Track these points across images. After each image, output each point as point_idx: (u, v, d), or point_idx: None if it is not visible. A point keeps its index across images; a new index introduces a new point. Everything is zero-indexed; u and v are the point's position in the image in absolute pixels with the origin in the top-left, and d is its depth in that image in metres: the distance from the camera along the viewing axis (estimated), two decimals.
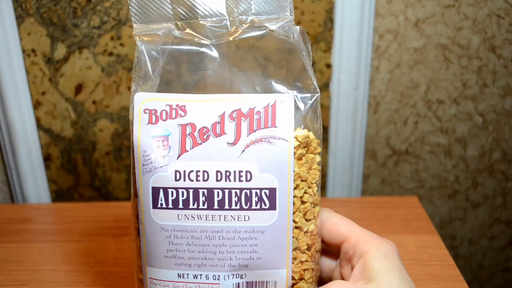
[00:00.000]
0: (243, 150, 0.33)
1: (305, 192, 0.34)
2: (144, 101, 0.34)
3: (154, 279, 0.35)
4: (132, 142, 0.34)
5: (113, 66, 0.62)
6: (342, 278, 0.34)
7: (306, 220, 0.34)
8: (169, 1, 0.34)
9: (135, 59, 0.35)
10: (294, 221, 0.33)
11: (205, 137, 0.33)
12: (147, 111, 0.34)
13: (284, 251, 0.33)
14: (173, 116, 0.34)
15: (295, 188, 0.33)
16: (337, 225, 0.35)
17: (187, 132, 0.33)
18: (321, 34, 0.61)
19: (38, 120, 0.65)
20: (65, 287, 0.47)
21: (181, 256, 0.34)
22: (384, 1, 0.60)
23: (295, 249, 0.34)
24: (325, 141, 0.67)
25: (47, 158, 0.67)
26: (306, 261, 0.34)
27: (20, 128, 0.64)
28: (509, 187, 0.71)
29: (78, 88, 0.64)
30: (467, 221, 0.73)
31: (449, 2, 0.60)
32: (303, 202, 0.34)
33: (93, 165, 0.67)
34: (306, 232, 0.34)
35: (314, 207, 0.34)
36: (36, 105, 0.64)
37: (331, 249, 0.36)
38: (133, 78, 0.34)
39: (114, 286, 0.47)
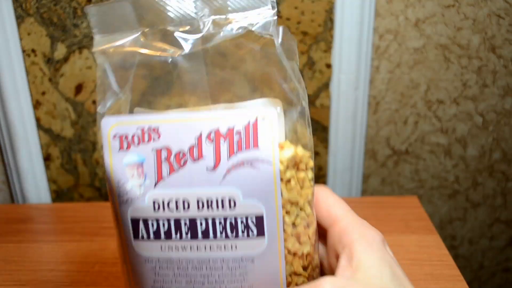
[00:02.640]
0: (224, 176, 0.30)
1: (297, 215, 0.31)
2: (112, 126, 0.31)
3: None
4: (105, 171, 0.31)
5: None
6: (330, 268, 0.33)
7: (300, 243, 0.31)
8: (131, 7, 0.31)
9: (98, 78, 0.31)
10: (287, 248, 0.31)
11: (182, 162, 0.30)
12: (117, 137, 0.31)
13: (277, 279, 0.31)
14: (146, 140, 0.31)
15: (286, 213, 0.30)
16: (332, 207, 0.33)
17: (163, 158, 0.31)
18: (321, 34, 0.61)
19: (38, 120, 0.65)
20: (65, 287, 0.47)
21: (168, 287, 0.31)
22: (384, 1, 0.60)
23: (290, 274, 0.31)
24: (325, 141, 0.67)
25: (47, 158, 0.67)
26: (303, 282, 0.32)
27: (20, 128, 0.64)
28: (509, 187, 0.71)
29: (78, 88, 0.64)
30: (467, 221, 0.73)
31: (449, 2, 0.60)
32: (295, 226, 0.31)
33: (93, 165, 0.67)
34: (302, 255, 0.31)
35: (308, 228, 0.32)
36: (36, 105, 0.64)
37: (321, 231, 0.34)
38: (98, 100, 0.31)
39: (114, 286, 0.47)
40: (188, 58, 0.31)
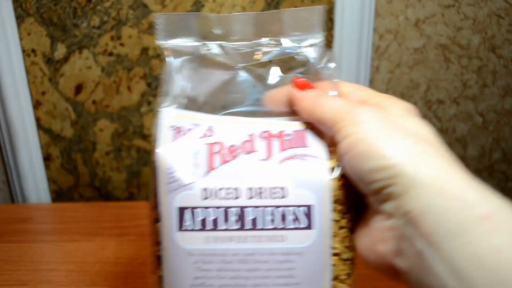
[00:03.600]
0: (276, 166, 0.30)
1: (344, 215, 0.30)
2: (171, 117, 0.32)
3: None
4: (154, 161, 0.31)
5: (113, 66, 0.62)
6: None
7: (346, 247, 0.31)
8: (196, 21, 0.34)
9: (164, 73, 0.33)
10: (333, 247, 0.30)
11: (234, 154, 0.31)
12: (173, 128, 0.32)
13: (323, 278, 0.30)
14: (200, 135, 0.32)
15: (333, 210, 0.30)
16: (354, 91, 0.31)
17: (215, 150, 0.31)
18: None
19: (38, 120, 0.65)
20: (65, 287, 0.47)
21: (210, 284, 0.30)
22: (384, 1, 0.60)
23: (335, 278, 0.30)
24: None
25: (47, 158, 0.67)
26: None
27: (20, 128, 0.64)
28: (509, 187, 0.71)
29: (78, 88, 0.64)
30: None
31: (449, 2, 0.60)
32: (341, 228, 0.30)
33: (93, 165, 0.67)
34: (346, 260, 0.31)
35: (351, 234, 0.31)
36: (36, 105, 0.64)
37: None
38: (160, 92, 0.33)
39: (114, 286, 0.47)
40: (243, 71, 0.34)
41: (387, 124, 0.27)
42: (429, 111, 0.66)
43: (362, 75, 0.63)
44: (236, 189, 0.30)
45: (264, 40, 0.34)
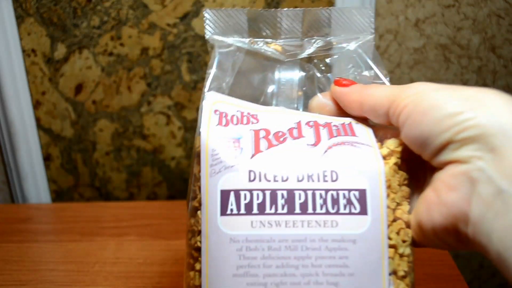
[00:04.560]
0: (326, 151, 0.28)
1: (397, 205, 0.28)
2: (215, 101, 0.31)
3: None
4: (195, 146, 0.30)
5: (113, 66, 0.62)
6: None
7: (401, 239, 0.28)
8: (245, 18, 0.33)
9: (211, 60, 0.33)
10: (388, 237, 0.28)
11: (281, 139, 0.29)
12: (217, 112, 0.31)
13: (380, 270, 0.27)
14: (245, 122, 0.30)
15: (387, 196, 0.28)
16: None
17: (261, 136, 0.29)
18: None
19: (38, 120, 0.65)
20: (65, 287, 0.47)
21: (254, 274, 0.27)
22: (384, 1, 0.60)
23: (391, 273, 0.28)
24: None
25: (47, 158, 0.67)
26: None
27: (20, 128, 0.64)
28: None
29: (78, 88, 0.64)
30: None
31: (449, 2, 0.60)
32: (395, 219, 0.28)
33: (93, 165, 0.67)
34: (402, 255, 0.28)
35: (408, 229, 0.29)
36: (36, 105, 0.64)
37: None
38: (206, 77, 0.33)
39: (114, 286, 0.47)
40: (288, 66, 0.34)
41: (444, 86, 0.27)
42: None
43: None
44: (284, 171, 0.28)
45: (312, 38, 0.33)
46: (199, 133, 0.30)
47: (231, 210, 0.28)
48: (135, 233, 0.55)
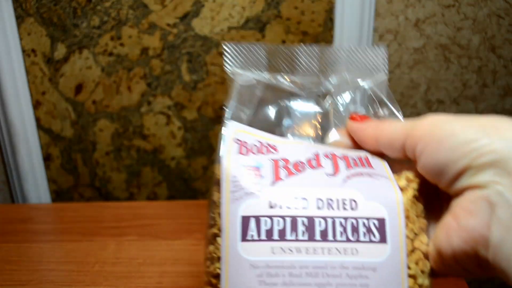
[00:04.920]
0: (345, 180, 0.29)
1: (416, 236, 0.29)
2: (236, 131, 0.32)
3: None
4: (215, 174, 0.31)
5: (113, 66, 0.62)
6: None
7: (420, 270, 0.29)
8: (265, 53, 0.35)
9: (232, 92, 0.35)
10: (408, 266, 0.28)
11: (300, 168, 0.30)
12: (238, 141, 0.31)
13: None
14: (264, 152, 0.31)
15: (405, 226, 0.29)
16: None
17: (280, 165, 0.30)
18: (321, 34, 0.61)
19: (38, 120, 0.65)
20: (65, 287, 0.47)
21: None
22: (384, 1, 0.60)
23: None
24: None
25: (47, 158, 0.67)
26: None
27: (20, 128, 0.64)
28: None
29: (78, 88, 0.64)
30: None
31: (449, 2, 0.60)
32: (414, 249, 0.29)
33: (93, 165, 0.67)
34: (421, 286, 0.29)
35: (426, 260, 0.29)
36: (36, 105, 0.64)
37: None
38: (227, 107, 0.34)
39: (114, 286, 0.47)
40: (305, 100, 0.35)
41: (457, 116, 0.27)
42: (429, 111, 0.66)
43: None
44: (304, 198, 0.29)
45: (328, 75, 0.35)
46: (219, 161, 0.30)
47: (252, 236, 0.28)
48: (135, 233, 0.55)
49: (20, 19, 0.60)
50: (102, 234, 0.55)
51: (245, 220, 0.28)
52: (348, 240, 0.28)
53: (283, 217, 0.28)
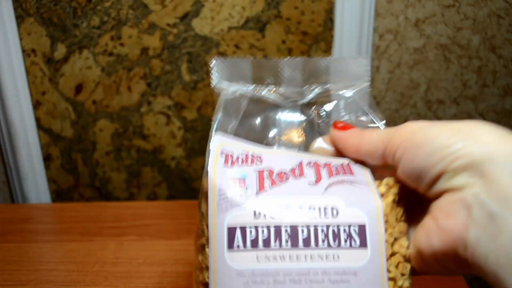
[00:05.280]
0: (326, 188, 0.31)
1: (395, 240, 0.30)
2: (222, 143, 0.34)
3: None
4: (203, 184, 0.32)
5: (113, 66, 0.62)
6: None
7: (400, 273, 0.30)
8: (250, 66, 0.36)
9: (217, 105, 0.36)
10: (388, 270, 0.30)
11: (284, 178, 0.32)
12: (223, 153, 0.33)
13: None
14: (249, 162, 0.33)
15: (385, 231, 0.30)
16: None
17: (265, 175, 0.32)
18: (321, 34, 0.61)
19: (38, 120, 0.65)
20: (65, 287, 0.47)
21: None
22: (384, 1, 0.60)
23: None
24: None
25: (47, 158, 0.67)
26: None
27: (20, 128, 0.64)
28: None
29: (78, 88, 0.64)
30: None
31: (449, 2, 0.60)
32: (394, 253, 0.30)
33: (93, 165, 0.67)
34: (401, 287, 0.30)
35: (406, 262, 0.30)
36: (36, 105, 0.64)
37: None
38: (213, 121, 0.36)
39: (114, 286, 0.47)
40: (288, 110, 0.37)
41: (434, 122, 0.29)
42: (429, 111, 0.66)
43: None
44: (287, 207, 0.30)
45: (312, 86, 0.36)
46: (206, 173, 0.32)
47: (238, 246, 0.30)
48: (135, 233, 0.55)
49: (20, 19, 0.60)
50: (102, 234, 0.55)
51: (231, 230, 0.30)
52: (329, 246, 0.29)
53: (267, 227, 0.30)
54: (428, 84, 0.65)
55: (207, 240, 0.30)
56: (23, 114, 0.63)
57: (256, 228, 0.30)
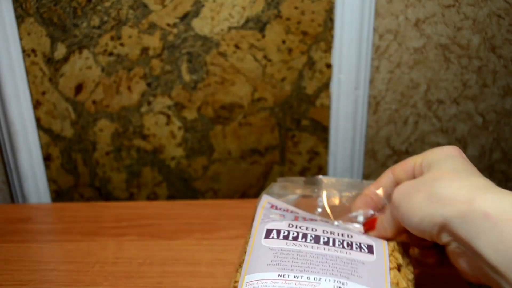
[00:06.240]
0: (346, 228, 0.43)
1: (398, 261, 0.39)
2: (268, 199, 0.46)
3: (250, 281, 0.35)
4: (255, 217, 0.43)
5: (113, 66, 0.62)
6: None
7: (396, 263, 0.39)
8: (303, 183, 0.49)
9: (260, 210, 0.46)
10: (390, 268, 0.38)
11: (313, 220, 0.44)
12: (270, 203, 0.45)
13: (383, 279, 0.37)
14: (289, 211, 0.45)
15: (390, 254, 0.40)
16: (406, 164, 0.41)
17: (299, 217, 0.43)
18: (321, 34, 0.61)
19: (38, 120, 0.65)
20: (65, 287, 0.47)
21: (285, 263, 0.36)
22: (384, 1, 0.60)
23: (394, 284, 0.37)
24: (325, 141, 0.67)
25: (47, 158, 0.67)
26: None
27: (20, 128, 0.64)
28: (509, 187, 0.71)
29: (78, 88, 0.64)
30: None
31: (449, 2, 0.60)
32: (399, 266, 0.39)
33: (93, 165, 0.67)
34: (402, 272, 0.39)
35: (410, 272, 0.40)
36: (36, 105, 0.64)
37: None
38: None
39: (114, 286, 0.47)
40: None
41: (410, 188, 0.37)
42: (429, 111, 0.66)
43: (362, 75, 0.63)
44: (314, 228, 0.41)
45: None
46: (258, 208, 0.45)
47: (272, 237, 0.39)
48: (135, 233, 0.55)
49: (20, 19, 0.60)
50: (102, 234, 0.55)
51: (269, 230, 0.40)
52: (343, 247, 0.39)
53: (297, 232, 0.40)
54: (428, 84, 0.65)
55: (248, 239, 0.40)
56: (23, 114, 0.63)
57: (289, 231, 0.40)
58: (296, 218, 0.42)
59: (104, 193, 0.69)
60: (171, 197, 0.70)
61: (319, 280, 0.34)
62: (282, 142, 0.67)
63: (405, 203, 0.36)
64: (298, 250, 0.37)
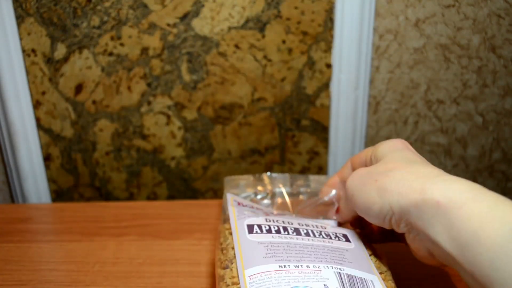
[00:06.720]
0: (319, 221, 0.45)
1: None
2: (233, 198, 0.47)
3: (253, 274, 0.35)
4: (220, 229, 0.43)
5: (113, 66, 0.62)
6: None
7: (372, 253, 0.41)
8: (253, 180, 0.53)
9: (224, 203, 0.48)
10: (369, 254, 0.40)
11: (280, 214, 0.45)
12: (236, 201, 0.46)
13: (368, 265, 0.38)
14: (255, 207, 0.46)
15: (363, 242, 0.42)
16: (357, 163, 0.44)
17: (269, 212, 0.45)
18: (321, 34, 0.61)
19: (38, 120, 0.65)
20: (65, 287, 0.47)
21: (280, 255, 0.37)
22: (384, 1, 0.60)
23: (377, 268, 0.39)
24: (325, 141, 0.67)
25: (47, 158, 0.67)
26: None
27: (20, 128, 0.64)
28: (509, 187, 0.71)
29: (78, 88, 0.64)
30: None
31: (449, 2, 0.60)
32: (374, 251, 0.42)
33: (93, 165, 0.67)
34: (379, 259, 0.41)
35: (377, 258, 0.41)
36: (36, 105, 0.64)
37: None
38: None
39: (114, 286, 0.47)
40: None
41: (363, 177, 0.38)
42: (429, 111, 0.66)
43: (362, 75, 0.63)
44: (290, 221, 0.42)
45: (294, 189, 0.53)
46: (225, 212, 0.45)
47: (256, 231, 0.40)
48: (135, 233, 0.55)
49: (20, 19, 0.60)
50: (102, 234, 0.55)
51: (250, 226, 0.40)
52: (323, 237, 0.40)
53: (277, 226, 0.41)
54: (428, 84, 0.65)
55: (230, 232, 0.40)
56: (23, 114, 0.63)
57: (269, 225, 0.40)
58: (266, 214, 0.43)
59: (104, 193, 0.69)
60: (171, 197, 0.70)
61: (319, 267, 0.36)
62: (282, 142, 0.67)
63: (359, 193, 0.37)
64: (286, 242, 0.38)
